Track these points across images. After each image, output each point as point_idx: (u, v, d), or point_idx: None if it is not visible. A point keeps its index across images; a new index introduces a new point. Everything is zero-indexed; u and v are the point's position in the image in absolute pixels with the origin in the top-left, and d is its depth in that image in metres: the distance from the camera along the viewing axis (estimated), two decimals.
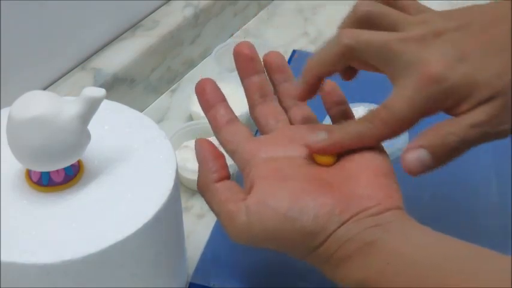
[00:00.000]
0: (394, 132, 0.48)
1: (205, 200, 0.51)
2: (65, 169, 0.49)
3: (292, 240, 0.46)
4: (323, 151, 0.49)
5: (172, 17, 0.83)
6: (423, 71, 0.46)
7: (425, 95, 0.46)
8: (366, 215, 0.45)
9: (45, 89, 0.71)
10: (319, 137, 0.49)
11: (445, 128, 0.46)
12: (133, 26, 0.81)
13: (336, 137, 0.48)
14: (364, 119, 0.48)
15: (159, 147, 0.53)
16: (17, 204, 0.49)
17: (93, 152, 0.51)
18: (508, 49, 0.46)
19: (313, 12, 0.97)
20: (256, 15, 0.98)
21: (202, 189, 0.50)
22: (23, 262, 0.45)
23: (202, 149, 0.51)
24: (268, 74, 0.56)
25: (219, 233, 0.64)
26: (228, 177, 0.50)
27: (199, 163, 0.51)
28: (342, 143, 0.48)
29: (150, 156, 0.53)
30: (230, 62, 0.84)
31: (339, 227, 0.45)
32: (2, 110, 0.53)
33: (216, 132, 0.53)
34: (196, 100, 0.77)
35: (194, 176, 0.69)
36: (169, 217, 0.51)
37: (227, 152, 0.52)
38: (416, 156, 0.46)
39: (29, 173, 0.50)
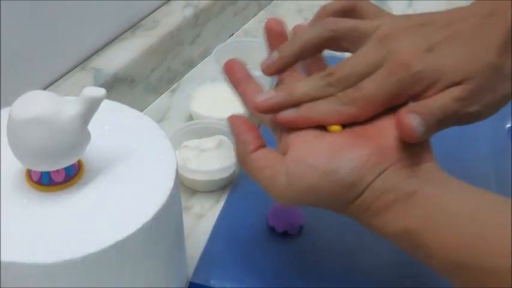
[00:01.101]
0: (363, 112, 0.49)
1: (245, 171, 0.52)
2: (65, 169, 0.49)
3: (331, 195, 0.47)
4: (292, 124, 0.50)
5: (172, 17, 0.83)
6: (393, 59, 0.48)
7: (394, 80, 0.48)
8: (402, 165, 0.46)
9: (45, 89, 0.71)
10: (288, 111, 0.50)
11: (426, 102, 0.48)
12: (134, 26, 0.81)
13: (302, 112, 0.50)
14: (336, 97, 0.49)
15: (159, 147, 0.54)
16: (17, 204, 0.49)
17: (93, 152, 0.51)
18: (475, 39, 0.48)
19: (313, 12, 0.96)
20: (256, 15, 0.98)
21: (240, 161, 0.52)
22: (23, 262, 0.45)
23: (236, 124, 0.52)
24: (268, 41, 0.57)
25: (219, 233, 0.64)
26: (263, 146, 0.51)
27: (234, 137, 0.52)
28: (310, 118, 0.50)
29: (150, 156, 0.53)
30: None
31: (376, 177, 0.46)
32: (2, 110, 0.54)
33: (247, 104, 0.54)
34: (196, 100, 0.78)
35: (194, 176, 0.69)
36: (169, 217, 0.51)
37: (259, 118, 0.54)
38: (413, 120, 0.46)
39: (29, 173, 0.50)
